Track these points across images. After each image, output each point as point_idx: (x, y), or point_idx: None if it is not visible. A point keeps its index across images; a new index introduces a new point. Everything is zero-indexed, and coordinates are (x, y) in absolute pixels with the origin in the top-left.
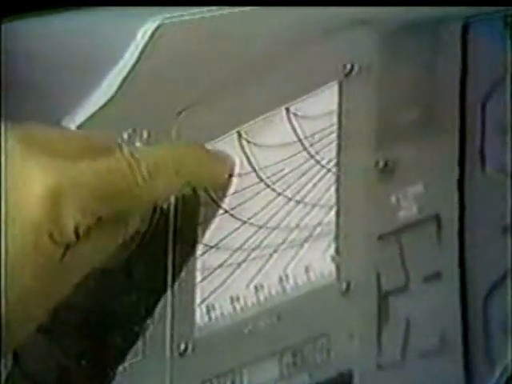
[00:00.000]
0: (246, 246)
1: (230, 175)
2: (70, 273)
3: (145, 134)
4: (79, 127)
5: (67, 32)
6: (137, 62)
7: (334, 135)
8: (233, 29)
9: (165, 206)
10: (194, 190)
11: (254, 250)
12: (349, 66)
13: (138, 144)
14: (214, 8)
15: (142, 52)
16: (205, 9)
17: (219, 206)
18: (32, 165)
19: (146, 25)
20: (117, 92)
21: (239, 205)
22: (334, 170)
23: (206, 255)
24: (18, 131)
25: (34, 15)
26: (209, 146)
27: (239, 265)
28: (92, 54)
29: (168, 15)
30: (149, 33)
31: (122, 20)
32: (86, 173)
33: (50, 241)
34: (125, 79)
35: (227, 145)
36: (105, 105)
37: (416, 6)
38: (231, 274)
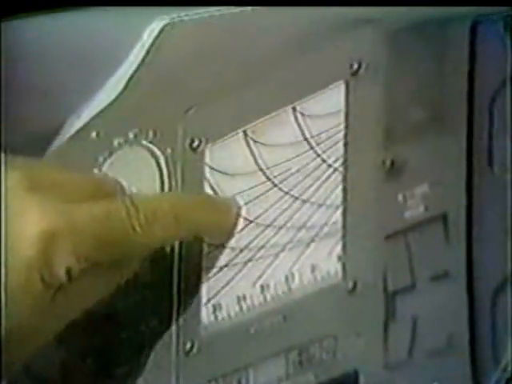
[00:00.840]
0: (252, 246)
1: (236, 221)
2: (61, 314)
3: (151, 134)
4: (85, 126)
5: (70, 32)
6: (142, 62)
7: (341, 134)
8: (239, 28)
9: None
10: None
11: (260, 249)
12: (356, 65)
13: (143, 143)
14: (219, 8)
15: (147, 52)
16: (210, 9)
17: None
18: (30, 206)
19: (151, 25)
20: (123, 91)
21: (245, 204)
22: (340, 169)
23: (212, 254)
24: (21, 170)
25: (34, 15)
26: (216, 145)
27: (245, 264)
28: (96, 54)
29: (174, 15)
30: (154, 33)
31: (126, 20)
32: (84, 218)
33: (41, 282)
34: (131, 78)
35: (234, 144)
36: (111, 104)
37: (417, 5)
38: (237, 273)
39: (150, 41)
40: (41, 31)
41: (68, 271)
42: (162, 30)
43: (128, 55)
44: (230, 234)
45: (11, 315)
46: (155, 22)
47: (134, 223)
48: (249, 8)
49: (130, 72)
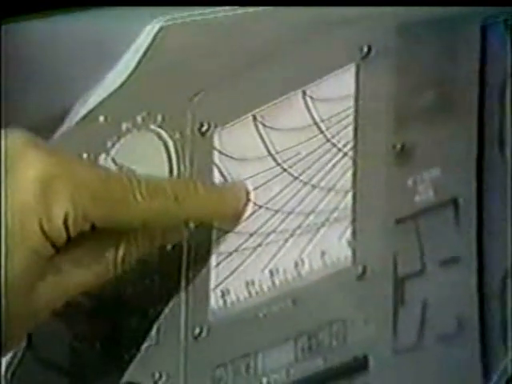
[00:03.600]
0: (261, 231)
1: (243, 208)
2: (59, 281)
3: (159, 118)
4: (92, 110)
5: (70, 32)
6: (144, 55)
7: (351, 118)
8: (249, 22)
9: None
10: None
11: (269, 234)
12: (366, 49)
13: (152, 127)
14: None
15: (149, 46)
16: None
17: None
18: (31, 155)
19: (154, 22)
20: (130, 75)
21: (255, 189)
22: (350, 153)
23: (221, 239)
24: (23, 133)
25: (34, 17)
26: (225, 129)
27: (255, 249)
28: (94, 53)
29: (173, 15)
30: (156, 28)
31: (125, 20)
32: (84, 170)
33: (39, 228)
34: (138, 64)
35: (243, 128)
36: (118, 88)
37: (420, 5)
38: (246, 258)
39: (152, 37)
40: (40, 32)
41: (65, 220)
42: (162, 28)
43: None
44: (237, 221)
45: (12, 270)
46: (155, 22)
47: (135, 191)
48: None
49: (136, 59)
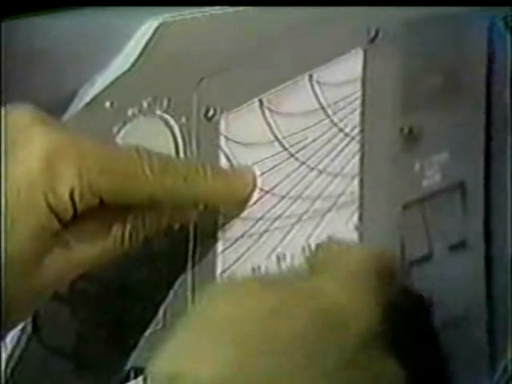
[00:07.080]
0: (268, 216)
1: (250, 194)
2: (65, 257)
3: (165, 103)
4: (98, 96)
5: (68, 32)
6: (149, 42)
7: (358, 102)
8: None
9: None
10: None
11: (276, 219)
12: (373, 33)
13: (158, 112)
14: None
15: (153, 35)
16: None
17: None
18: (37, 130)
19: (154, 19)
20: (136, 61)
21: (262, 174)
22: (357, 137)
23: (228, 225)
24: (29, 109)
25: (33, 15)
26: (232, 114)
27: (261, 234)
28: (93, 52)
29: (174, 13)
30: (157, 23)
31: (124, 19)
32: (91, 144)
33: (45, 203)
34: (143, 50)
35: (249, 113)
36: (125, 73)
37: (418, 5)
38: (253, 243)
39: (153, 30)
40: (40, 31)
41: (71, 194)
42: (163, 23)
43: (125, 53)
44: (244, 207)
45: (14, 238)
46: (154, 19)
47: (145, 166)
48: None
49: (139, 49)
